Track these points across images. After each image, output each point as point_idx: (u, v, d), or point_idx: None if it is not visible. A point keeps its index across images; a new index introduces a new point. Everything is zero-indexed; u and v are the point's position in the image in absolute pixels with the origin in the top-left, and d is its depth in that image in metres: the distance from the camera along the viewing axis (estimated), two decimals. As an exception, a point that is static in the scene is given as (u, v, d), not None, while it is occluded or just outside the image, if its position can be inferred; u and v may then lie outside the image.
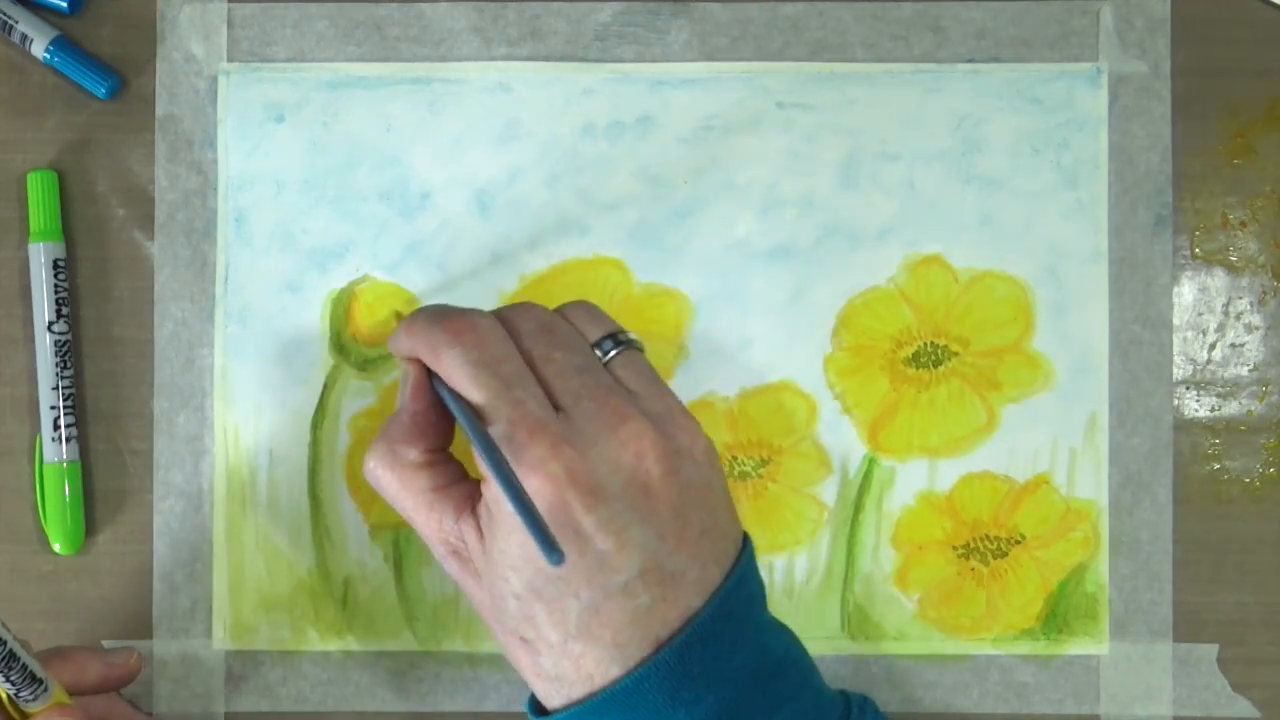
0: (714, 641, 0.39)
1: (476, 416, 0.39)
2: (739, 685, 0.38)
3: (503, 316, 0.41)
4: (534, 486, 0.37)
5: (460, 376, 0.39)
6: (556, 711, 0.40)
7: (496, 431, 0.38)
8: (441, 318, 0.40)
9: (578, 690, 0.39)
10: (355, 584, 0.51)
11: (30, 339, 0.50)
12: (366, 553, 0.51)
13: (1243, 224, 0.51)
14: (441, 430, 0.42)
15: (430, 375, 0.41)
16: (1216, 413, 0.51)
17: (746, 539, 0.42)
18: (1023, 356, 0.51)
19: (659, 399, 0.41)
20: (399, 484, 0.41)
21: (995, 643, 0.50)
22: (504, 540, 0.38)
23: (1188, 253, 0.51)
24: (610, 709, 0.38)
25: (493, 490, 0.38)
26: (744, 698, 0.38)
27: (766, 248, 0.50)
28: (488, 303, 0.51)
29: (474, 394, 0.39)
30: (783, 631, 0.42)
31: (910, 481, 0.50)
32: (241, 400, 0.51)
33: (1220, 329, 0.51)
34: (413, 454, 0.41)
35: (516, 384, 0.39)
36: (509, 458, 0.38)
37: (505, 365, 0.39)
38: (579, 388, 0.39)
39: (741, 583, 0.40)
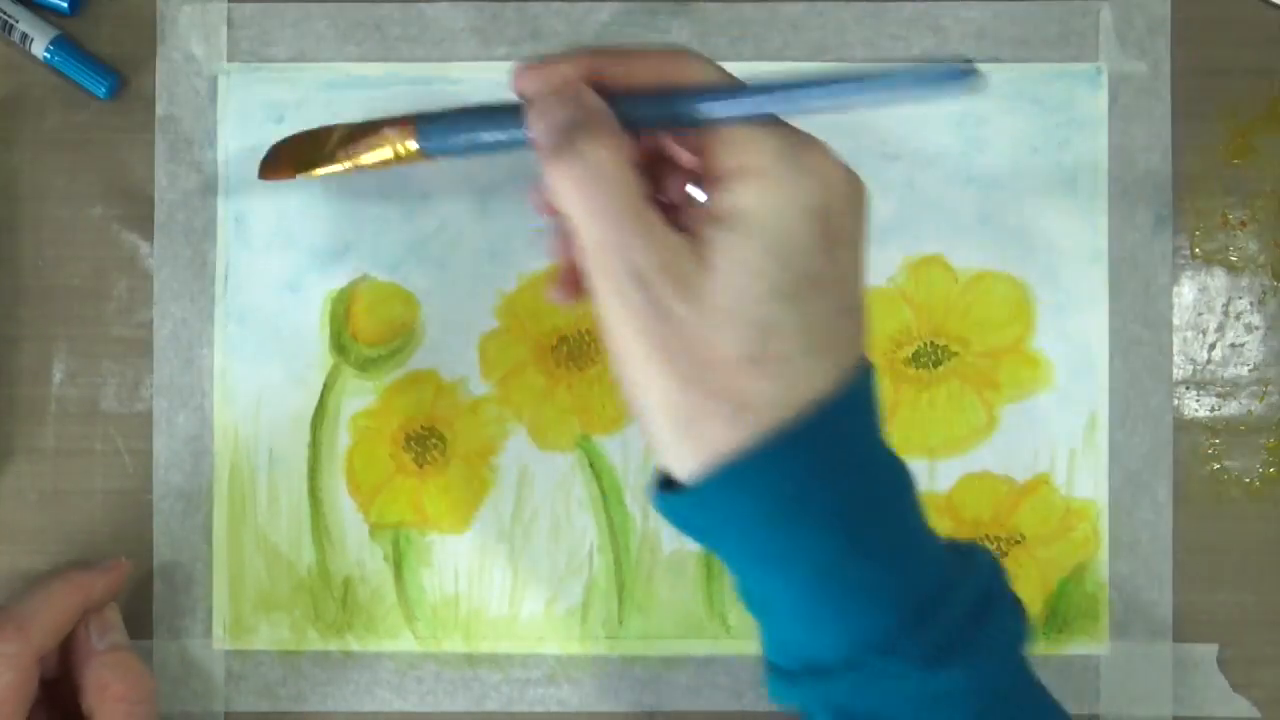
0: (866, 411, 0.38)
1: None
2: (879, 469, 0.38)
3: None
4: (816, 163, 0.36)
5: (713, 71, 0.38)
6: (743, 453, 0.36)
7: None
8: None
9: (785, 414, 0.35)
10: (355, 584, 0.51)
11: (30, 339, 0.50)
12: (366, 553, 0.51)
13: (1243, 224, 0.51)
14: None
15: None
16: (1216, 413, 0.51)
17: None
18: (1022, 357, 0.51)
19: None
20: (624, 180, 0.36)
21: (995, 643, 0.50)
22: (766, 236, 0.35)
23: (1188, 253, 0.51)
24: (787, 450, 0.36)
25: (761, 177, 0.36)
26: (882, 485, 0.37)
27: (766, 248, 0.50)
28: (488, 302, 0.51)
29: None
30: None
31: (910, 481, 0.50)
32: (241, 400, 0.51)
33: (1220, 329, 0.51)
34: (634, 152, 0.37)
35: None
36: (789, 141, 0.36)
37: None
38: None
39: (872, 370, 0.39)
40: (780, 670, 0.38)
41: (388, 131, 0.41)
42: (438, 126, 0.40)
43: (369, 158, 0.42)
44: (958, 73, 0.34)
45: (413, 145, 0.41)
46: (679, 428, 0.36)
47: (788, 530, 0.36)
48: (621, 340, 0.36)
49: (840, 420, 0.36)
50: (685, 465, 0.36)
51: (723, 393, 0.35)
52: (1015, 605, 0.39)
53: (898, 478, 0.38)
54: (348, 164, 0.42)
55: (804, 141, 0.37)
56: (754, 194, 0.36)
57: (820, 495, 0.36)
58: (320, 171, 0.43)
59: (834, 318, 0.36)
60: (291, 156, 0.45)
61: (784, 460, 0.36)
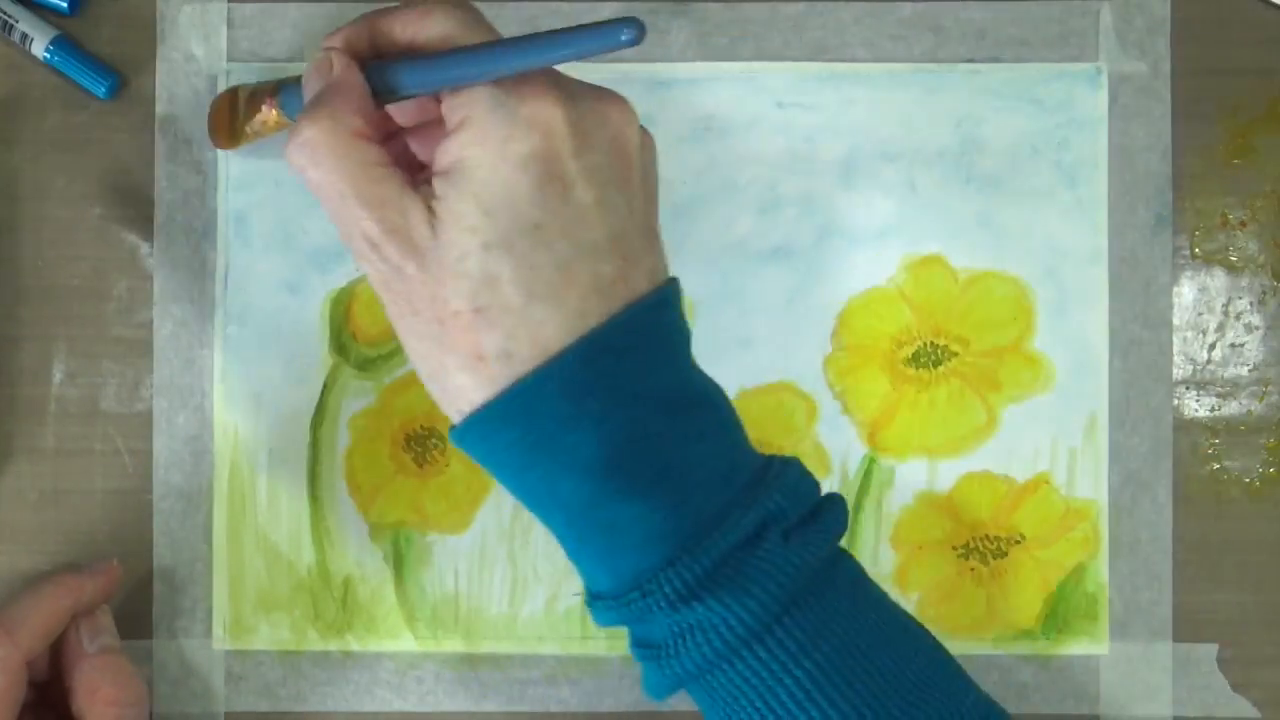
0: (634, 352, 0.37)
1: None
2: (650, 408, 0.37)
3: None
4: (531, 111, 0.36)
5: (455, 25, 0.38)
6: (485, 404, 0.37)
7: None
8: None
9: (522, 367, 0.37)
10: (355, 584, 0.51)
11: (30, 339, 0.50)
12: (366, 553, 0.51)
13: (1243, 224, 0.51)
14: (376, 106, 0.40)
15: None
16: (1216, 413, 0.51)
17: (674, 280, 0.40)
18: (1023, 356, 0.51)
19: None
20: (341, 154, 0.37)
21: (995, 643, 0.50)
22: (477, 189, 0.37)
23: (1187, 252, 0.51)
24: (522, 400, 0.37)
25: (469, 126, 0.37)
26: (655, 422, 0.37)
27: (766, 248, 0.50)
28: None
29: (470, 38, 0.38)
30: (707, 378, 0.40)
31: (910, 481, 0.50)
32: (241, 400, 0.51)
33: (1220, 329, 0.51)
34: (358, 122, 0.38)
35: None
36: (504, 91, 0.37)
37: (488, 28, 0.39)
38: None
39: (666, 303, 0.39)
40: (587, 591, 0.40)
41: (268, 99, 0.45)
42: (292, 94, 0.43)
43: (255, 125, 0.46)
44: (621, 30, 0.35)
45: (277, 114, 0.45)
46: (432, 382, 0.38)
47: (539, 475, 0.37)
48: (383, 304, 0.38)
49: (587, 365, 0.37)
50: (450, 414, 0.38)
51: (459, 345, 0.37)
52: (814, 523, 0.39)
53: (683, 407, 0.38)
54: (251, 134, 0.46)
55: (522, 89, 0.37)
56: (465, 146, 0.37)
57: (566, 440, 0.37)
58: (243, 143, 0.47)
59: (571, 263, 0.37)
60: (219, 125, 0.48)
61: (519, 410, 0.37)
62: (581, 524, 0.38)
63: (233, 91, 0.47)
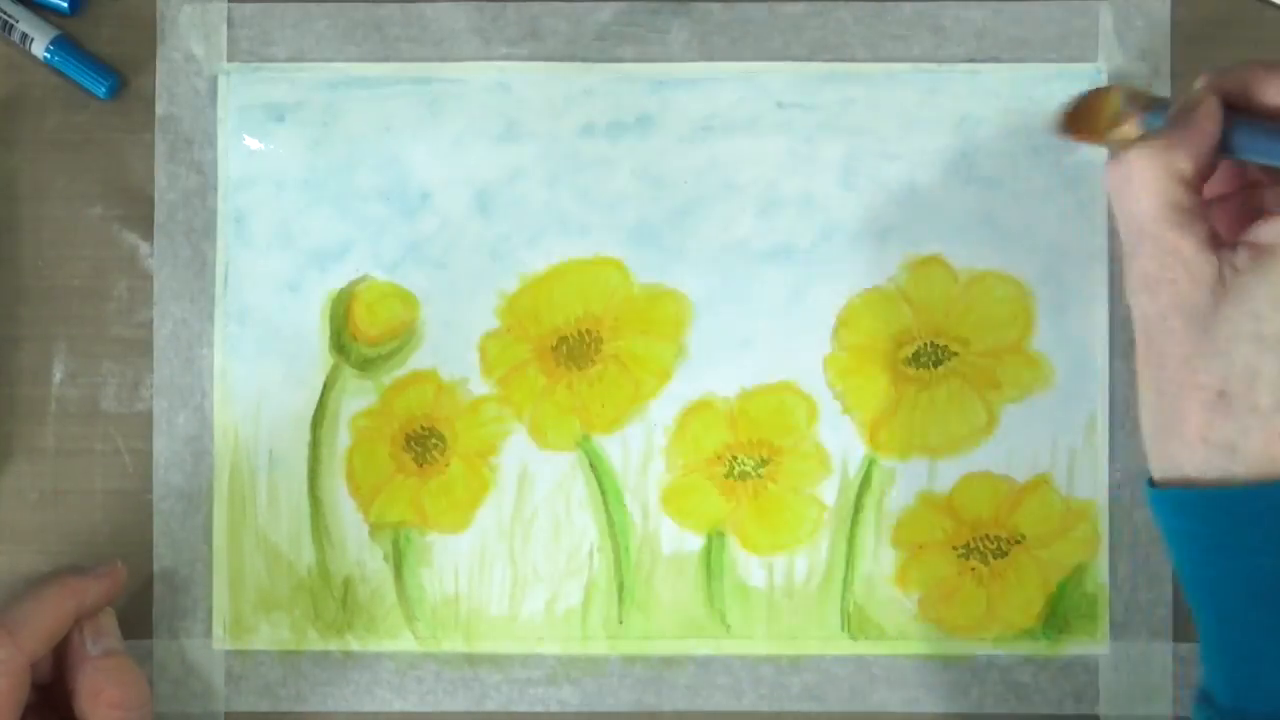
0: None
1: None
2: None
3: None
4: None
5: None
6: (1186, 484, 0.37)
7: None
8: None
9: (1243, 470, 0.36)
10: (355, 584, 0.51)
11: (30, 339, 0.50)
12: (366, 553, 0.51)
13: (1243, 224, 0.51)
14: (1207, 159, 0.39)
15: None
16: (1216, 413, 0.51)
17: None
18: (1022, 356, 0.51)
19: None
20: (1153, 191, 0.37)
21: (995, 643, 0.50)
22: None
23: (1188, 253, 0.51)
24: (1224, 504, 0.36)
25: None
26: None
27: (766, 248, 0.50)
28: (489, 302, 0.51)
29: None
30: None
31: (910, 481, 0.50)
32: (241, 400, 0.51)
33: (1220, 329, 0.51)
34: (1187, 167, 0.38)
35: None
36: None
37: None
38: None
39: None
40: (1200, 688, 0.39)
41: (1138, 113, 0.41)
42: (1157, 117, 0.41)
43: (1116, 131, 0.42)
44: None
45: (1135, 128, 0.41)
46: (1149, 430, 0.38)
47: (1210, 576, 0.37)
48: (1135, 343, 0.39)
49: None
50: (1153, 466, 0.38)
51: (1189, 419, 0.37)
52: None
53: None
54: (1107, 137, 0.42)
55: None
56: None
57: (1251, 560, 0.36)
58: (1095, 141, 0.43)
59: None
60: (1087, 115, 0.43)
61: (1218, 511, 0.36)
62: (1230, 636, 0.37)
63: (1111, 90, 0.43)
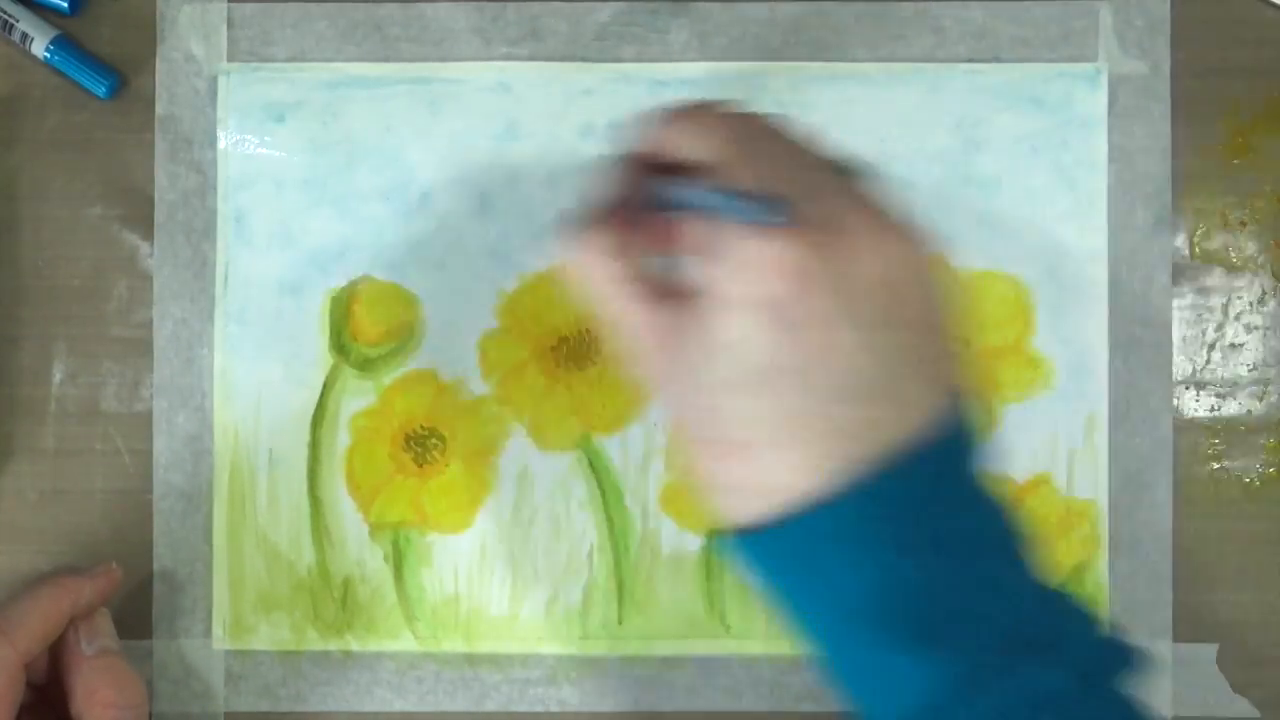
0: (895, 500, 0.35)
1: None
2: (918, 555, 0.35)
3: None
4: (768, 253, 0.34)
5: (736, 161, 0.36)
6: (772, 524, 0.35)
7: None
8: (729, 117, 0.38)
9: (781, 499, 0.35)
10: (355, 584, 0.51)
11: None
12: (366, 553, 0.51)
13: (1242, 224, 0.51)
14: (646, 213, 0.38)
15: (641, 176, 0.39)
16: (1216, 413, 0.51)
17: (962, 415, 0.38)
18: (1022, 356, 0.51)
19: (898, 215, 0.37)
20: (613, 276, 0.37)
21: (995, 643, 0.50)
22: (735, 320, 0.35)
23: (1187, 253, 0.51)
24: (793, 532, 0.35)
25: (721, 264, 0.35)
26: (918, 571, 0.35)
27: (766, 248, 0.50)
28: (489, 302, 0.51)
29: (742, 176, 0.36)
30: (995, 510, 0.38)
31: (910, 481, 0.50)
32: (241, 400, 0.51)
33: (1220, 329, 0.51)
34: (608, 241, 0.37)
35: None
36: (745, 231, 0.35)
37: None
38: (819, 183, 0.36)
39: (939, 448, 0.36)
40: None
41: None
42: None
43: None
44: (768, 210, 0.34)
45: None
46: (702, 489, 0.37)
47: (801, 603, 0.36)
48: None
49: (823, 523, 0.35)
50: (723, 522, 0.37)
51: (715, 469, 0.36)
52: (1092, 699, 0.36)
53: (960, 553, 0.36)
54: None
55: (753, 228, 0.34)
56: (705, 278, 0.35)
57: (832, 579, 0.35)
58: None
59: (817, 408, 0.34)
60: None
61: (757, 551, 0.36)
62: (842, 660, 0.36)
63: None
